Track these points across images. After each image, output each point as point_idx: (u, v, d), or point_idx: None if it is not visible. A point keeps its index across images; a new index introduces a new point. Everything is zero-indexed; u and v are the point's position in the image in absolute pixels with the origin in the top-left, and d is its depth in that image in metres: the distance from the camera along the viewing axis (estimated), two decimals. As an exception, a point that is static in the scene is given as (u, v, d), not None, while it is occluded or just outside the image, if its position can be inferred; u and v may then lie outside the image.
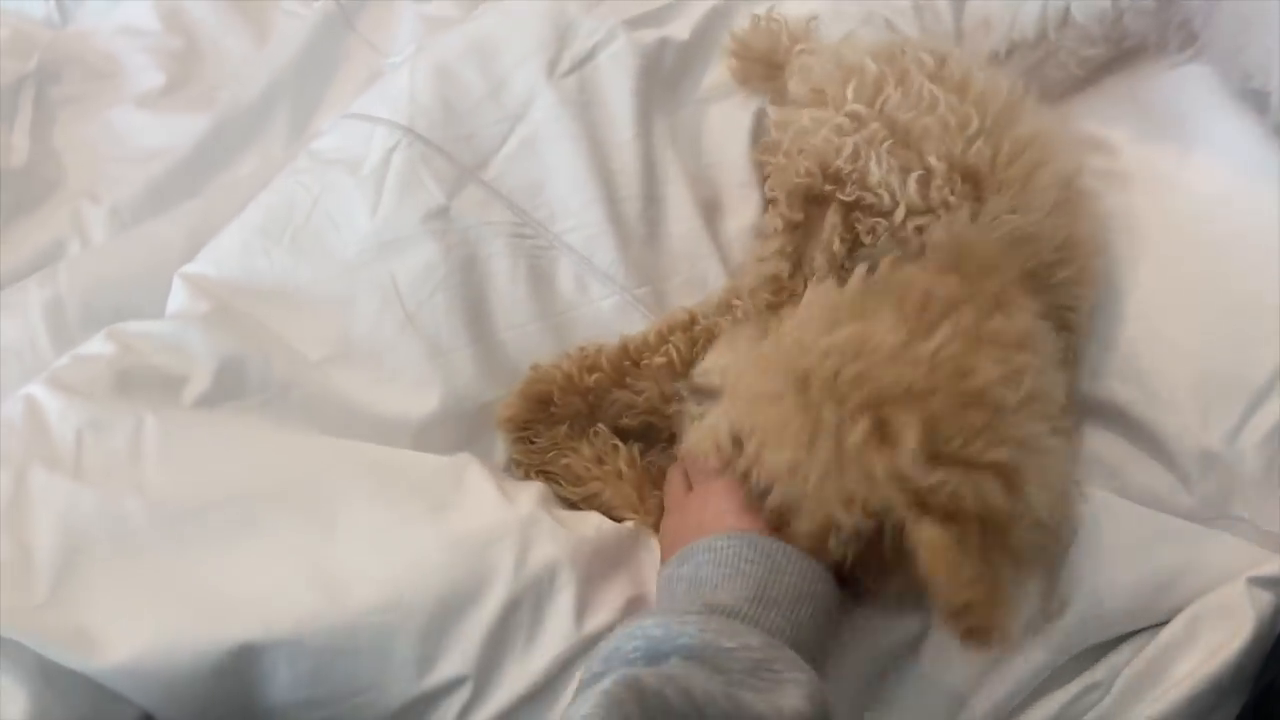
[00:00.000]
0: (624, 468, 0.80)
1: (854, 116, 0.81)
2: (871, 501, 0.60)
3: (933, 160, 0.77)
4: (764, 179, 0.93)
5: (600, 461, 0.81)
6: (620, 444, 0.81)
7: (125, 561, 0.65)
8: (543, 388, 0.82)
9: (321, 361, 0.81)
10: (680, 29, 1.01)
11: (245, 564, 0.67)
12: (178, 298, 0.82)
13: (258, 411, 0.78)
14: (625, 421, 0.84)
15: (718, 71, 1.02)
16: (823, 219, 0.81)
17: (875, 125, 0.80)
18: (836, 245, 0.80)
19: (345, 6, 1.15)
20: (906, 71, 0.82)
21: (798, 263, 0.83)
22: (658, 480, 0.81)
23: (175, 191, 1.01)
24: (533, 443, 0.82)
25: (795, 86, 0.90)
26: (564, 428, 0.82)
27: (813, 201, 0.82)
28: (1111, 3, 0.95)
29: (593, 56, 0.95)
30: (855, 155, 0.79)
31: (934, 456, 0.59)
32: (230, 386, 0.78)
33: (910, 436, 0.59)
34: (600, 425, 0.83)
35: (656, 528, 0.79)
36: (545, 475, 0.82)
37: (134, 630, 0.62)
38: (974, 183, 0.78)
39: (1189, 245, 0.88)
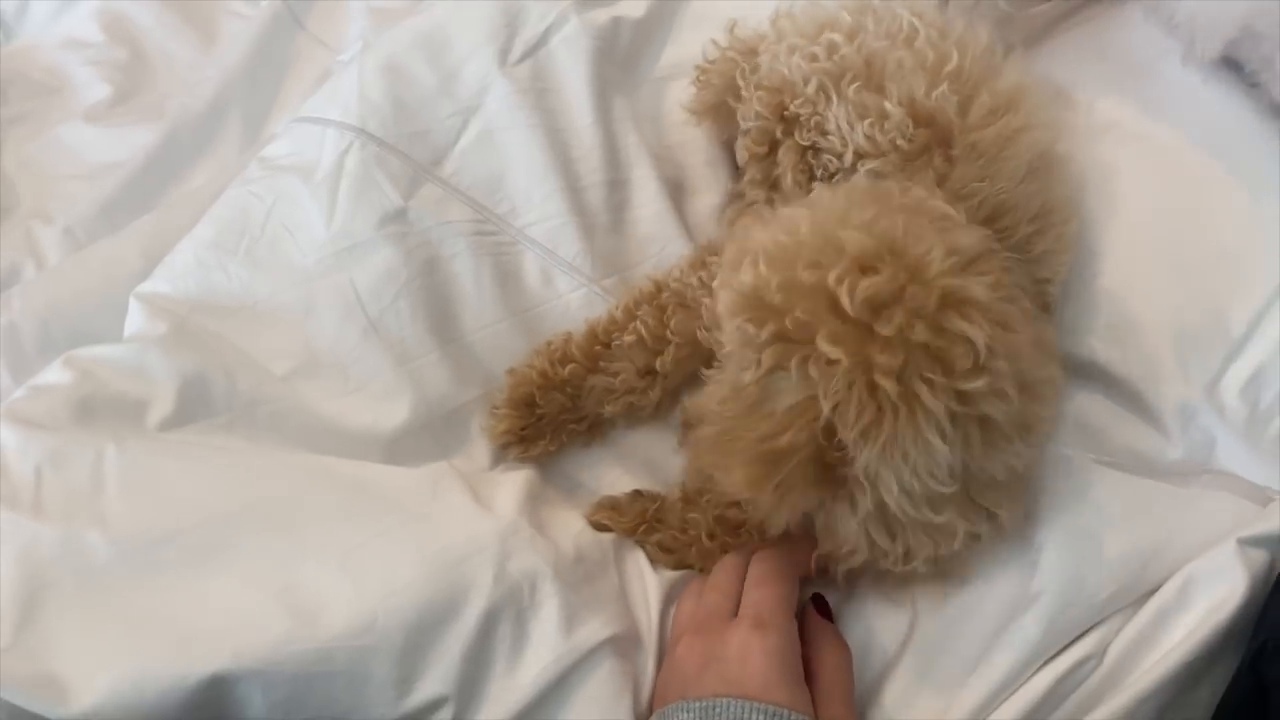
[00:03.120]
0: (706, 540, 0.78)
1: (830, 46, 0.79)
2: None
3: (888, 105, 0.75)
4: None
5: (684, 529, 0.79)
6: (698, 515, 0.79)
7: (90, 599, 0.64)
8: (525, 390, 0.81)
9: (287, 376, 0.79)
10: (634, 6, 0.99)
11: (214, 592, 0.65)
12: (135, 319, 0.81)
13: (224, 431, 0.76)
14: (609, 410, 0.82)
15: (676, 48, 1.00)
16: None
17: (848, 52, 0.78)
18: (789, 182, 0.81)
19: (293, 5, 1.12)
20: (888, 10, 0.81)
21: (773, 188, 0.84)
22: (732, 529, 0.79)
23: (129, 207, 0.99)
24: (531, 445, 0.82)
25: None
26: (652, 504, 0.80)
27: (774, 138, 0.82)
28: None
29: (545, 42, 0.92)
30: (817, 95, 0.78)
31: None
32: (194, 407, 0.76)
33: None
34: (674, 490, 0.81)
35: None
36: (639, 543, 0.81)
37: (102, 671, 0.60)
38: (938, 132, 0.76)
39: (1160, 199, 0.86)
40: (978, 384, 0.60)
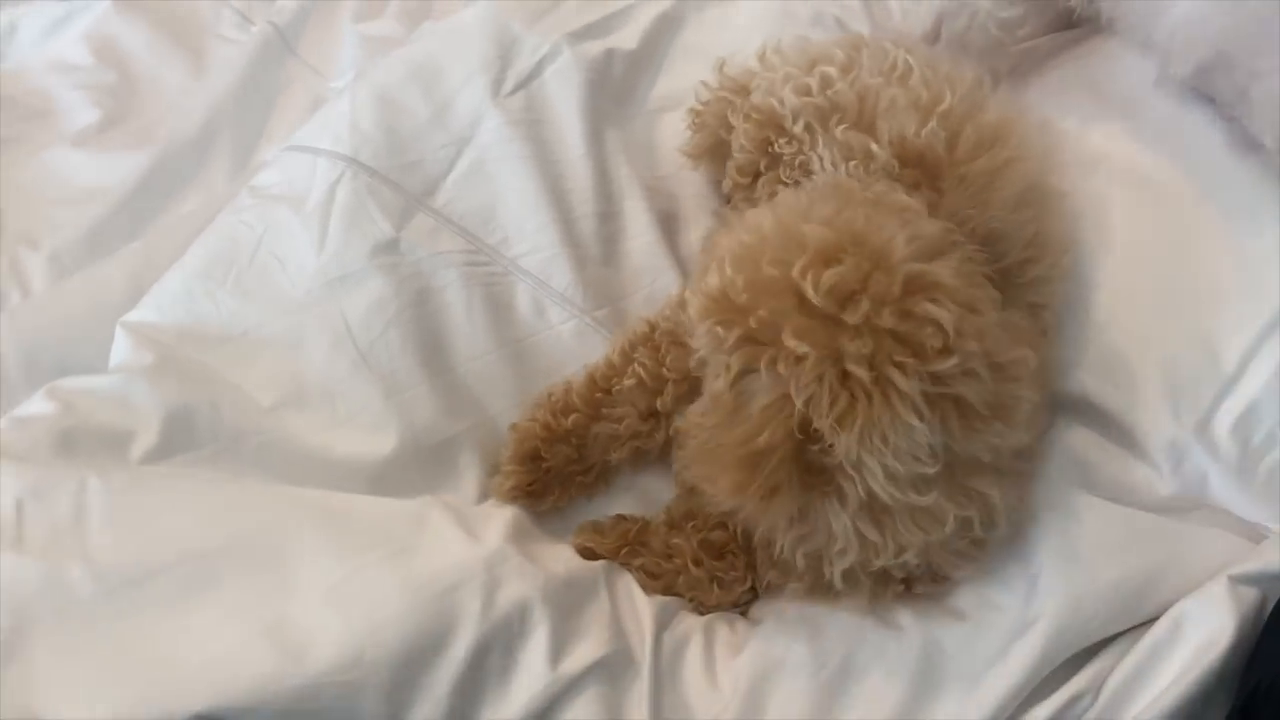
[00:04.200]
0: (692, 566, 0.78)
1: (824, 79, 0.80)
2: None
3: (874, 147, 0.76)
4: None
5: (669, 556, 0.79)
6: (682, 541, 0.79)
7: (72, 636, 0.63)
8: (530, 444, 0.80)
9: (273, 407, 0.79)
10: (627, 38, 1.00)
11: (198, 628, 0.65)
12: (120, 348, 0.80)
13: (209, 463, 0.76)
14: (615, 456, 0.82)
15: (668, 80, 1.00)
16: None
17: (842, 87, 0.79)
18: None
19: (284, 31, 1.12)
20: (880, 47, 0.82)
21: None
22: (724, 570, 0.79)
23: (116, 233, 0.98)
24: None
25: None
26: (634, 526, 0.81)
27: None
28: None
29: (538, 73, 0.93)
30: (804, 134, 0.78)
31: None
32: (179, 439, 0.75)
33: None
34: (659, 515, 0.81)
35: (730, 604, 0.79)
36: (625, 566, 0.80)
37: (84, 710, 0.60)
38: (926, 169, 0.76)
39: (1151, 233, 0.86)
40: (948, 364, 0.60)
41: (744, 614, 0.80)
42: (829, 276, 0.60)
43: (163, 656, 0.63)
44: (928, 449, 0.61)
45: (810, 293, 0.60)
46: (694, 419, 0.68)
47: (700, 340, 0.65)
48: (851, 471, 0.62)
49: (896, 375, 0.60)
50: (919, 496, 0.63)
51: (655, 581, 0.79)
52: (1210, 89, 0.88)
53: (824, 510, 0.65)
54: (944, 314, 0.61)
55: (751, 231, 0.65)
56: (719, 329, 0.63)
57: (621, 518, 0.82)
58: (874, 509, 0.64)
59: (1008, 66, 1.00)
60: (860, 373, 0.59)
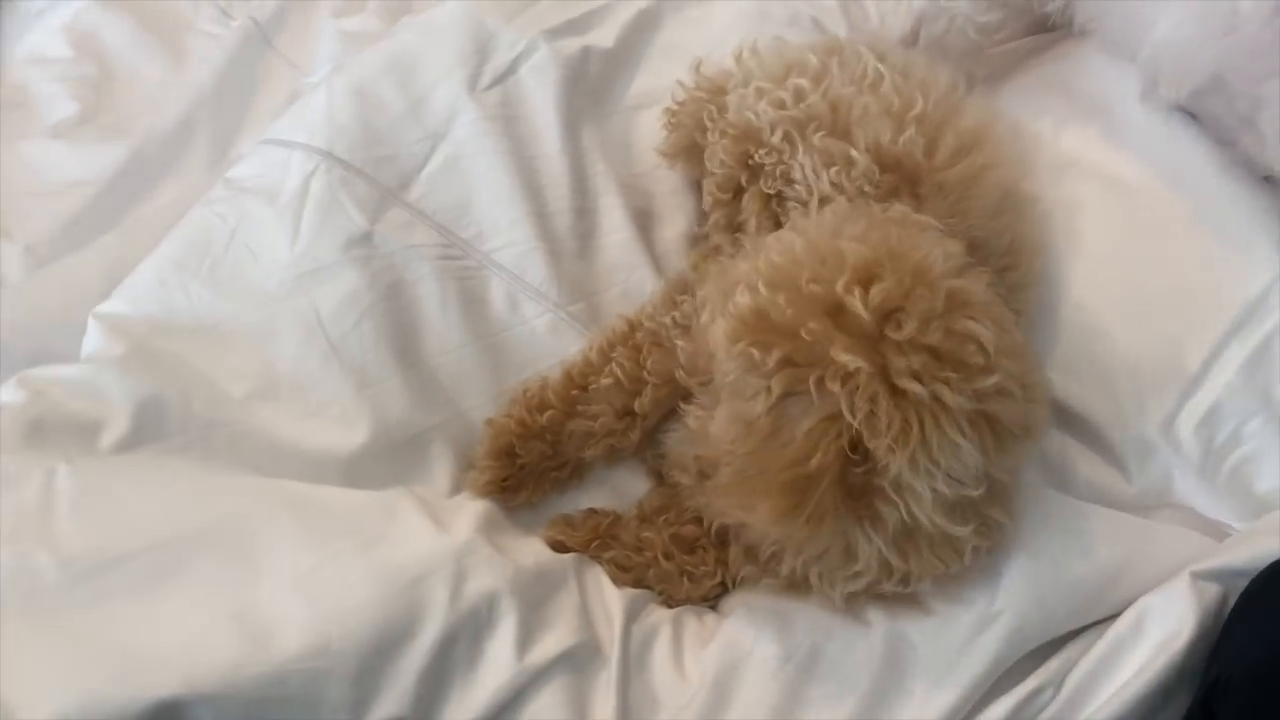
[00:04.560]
0: (662, 559, 0.79)
1: (797, 92, 0.80)
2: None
3: (854, 153, 0.76)
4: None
5: (639, 549, 0.80)
6: (653, 534, 0.80)
7: (37, 623, 0.63)
8: (505, 440, 0.81)
9: (245, 398, 0.79)
10: (604, 36, 1.00)
11: (165, 615, 0.65)
12: (92, 339, 0.80)
13: (180, 454, 0.75)
14: (589, 453, 0.82)
15: (645, 78, 1.01)
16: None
17: (815, 99, 0.79)
18: (754, 227, 0.82)
19: (264, 25, 1.12)
20: (853, 53, 0.82)
21: (737, 231, 0.85)
22: (695, 564, 0.80)
23: (93, 225, 0.98)
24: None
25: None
26: (605, 519, 0.81)
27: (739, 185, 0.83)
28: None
29: (514, 70, 0.93)
30: (783, 144, 0.79)
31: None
32: (149, 429, 0.75)
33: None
34: (631, 509, 0.82)
35: (700, 599, 0.80)
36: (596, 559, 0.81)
37: (49, 696, 0.59)
38: (905, 175, 0.77)
39: (1121, 236, 0.88)
40: (990, 382, 0.61)
41: (713, 607, 0.81)
42: (876, 293, 0.60)
43: (129, 643, 0.63)
44: (975, 471, 0.62)
45: (859, 309, 0.60)
46: (722, 447, 0.66)
47: (730, 364, 0.63)
48: (895, 496, 0.62)
49: (945, 392, 0.60)
50: (958, 526, 0.64)
51: (625, 574, 0.79)
52: (1205, 113, 0.88)
53: (853, 535, 0.65)
54: (985, 332, 0.61)
55: (782, 253, 0.65)
56: (754, 351, 0.61)
57: (593, 511, 0.82)
58: (905, 538, 0.65)
59: (985, 70, 1.01)
60: (914, 389, 0.59)
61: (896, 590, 0.70)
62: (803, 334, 0.60)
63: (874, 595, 0.74)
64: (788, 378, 0.61)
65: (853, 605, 0.75)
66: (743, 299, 0.63)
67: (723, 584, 0.80)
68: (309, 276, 0.82)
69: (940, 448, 0.60)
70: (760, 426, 0.62)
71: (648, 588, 0.79)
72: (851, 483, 0.61)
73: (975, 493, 0.62)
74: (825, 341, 0.60)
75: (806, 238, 0.65)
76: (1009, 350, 0.63)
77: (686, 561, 0.79)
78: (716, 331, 0.64)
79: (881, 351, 0.59)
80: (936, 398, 0.59)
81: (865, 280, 0.61)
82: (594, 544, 0.80)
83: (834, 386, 0.59)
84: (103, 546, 0.67)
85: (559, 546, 0.80)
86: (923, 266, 0.62)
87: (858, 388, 0.59)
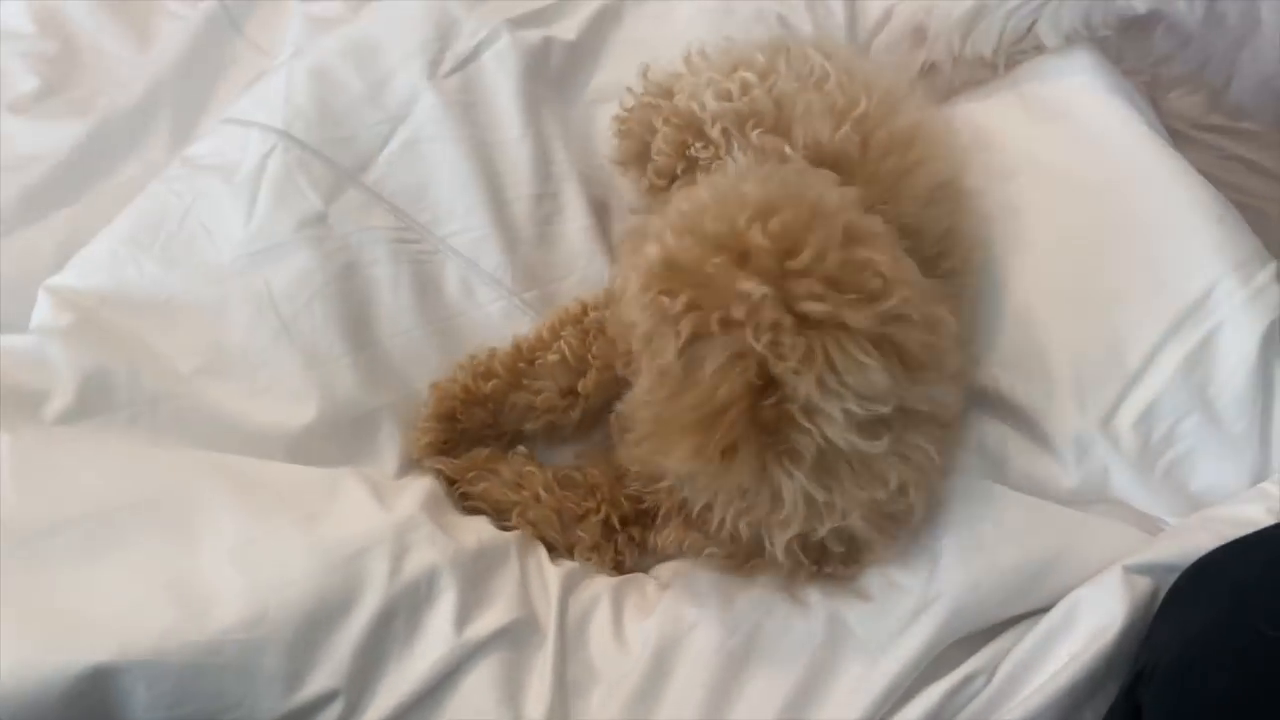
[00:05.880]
0: (542, 492, 0.80)
1: (743, 85, 0.81)
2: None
3: (789, 150, 0.77)
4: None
5: (519, 486, 0.80)
6: (537, 469, 0.80)
7: (-29, 587, 0.63)
8: (448, 404, 0.81)
9: (193, 373, 0.79)
10: (567, 29, 1.00)
11: (100, 582, 0.65)
12: (41, 310, 0.80)
13: (125, 426, 0.76)
14: (529, 426, 0.83)
15: (606, 73, 1.01)
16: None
17: (760, 94, 0.80)
18: None
19: (231, 8, 1.12)
20: (800, 53, 0.83)
21: None
22: (577, 500, 0.80)
23: (51, 199, 0.97)
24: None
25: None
26: (486, 451, 0.82)
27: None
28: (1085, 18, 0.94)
29: (476, 56, 0.94)
30: (721, 139, 0.80)
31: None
32: (95, 401, 0.75)
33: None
34: (520, 448, 0.83)
35: (571, 551, 0.80)
36: (466, 499, 0.81)
37: (-22, 660, 0.60)
38: (840, 170, 0.77)
39: (1067, 233, 0.89)
40: (889, 305, 0.62)
41: (619, 567, 0.81)
42: (774, 223, 0.62)
43: (64, 609, 0.64)
44: (883, 388, 0.63)
45: (759, 239, 0.62)
46: (640, 398, 0.68)
47: (643, 314, 0.65)
48: (807, 422, 0.63)
49: (846, 313, 0.61)
50: (873, 442, 0.64)
51: (501, 513, 0.80)
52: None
53: (774, 474, 0.66)
54: (882, 258, 0.63)
55: (689, 200, 0.67)
56: (664, 298, 0.63)
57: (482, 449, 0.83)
58: (824, 468, 0.65)
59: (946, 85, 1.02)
60: (815, 310, 0.61)
61: (831, 536, 0.71)
62: (706, 269, 0.62)
63: (817, 578, 0.76)
64: (695, 320, 0.62)
65: (795, 583, 0.76)
66: (651, 249, 0.65)
67: (631, 540, 0.81)
68: (262, 255, 0.83)
69: (845, 368, 0.61)
70: (673, 373, 0.64)
71: (511, 527, 0.80)
72: (764, 418, 0.62)
73: (885, 409, 0.63)
74: (728, 277, 0.61)
75: (711, 185, 0.68)
76: (905, 280, 0.65)
77: (567, 498, 0.80)
78: (630, 287, 0.66)
79: (782, 280, 0.61)
80: (837, 319, 0.61)
81: (765, 215, 0.62)
82: (471, 475, 0.80)
83: (738, 315, 0.61)
84: (42, 515, 0.67)
85: (441, 479, 0.81)
86: (821, 203, 0.64)
87: (760, 316, 0.61)
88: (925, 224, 0.78)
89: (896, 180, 0.77)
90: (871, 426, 0.64)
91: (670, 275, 0.63)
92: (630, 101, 0.91)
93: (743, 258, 0.62)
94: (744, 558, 0.76)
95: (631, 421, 0.70)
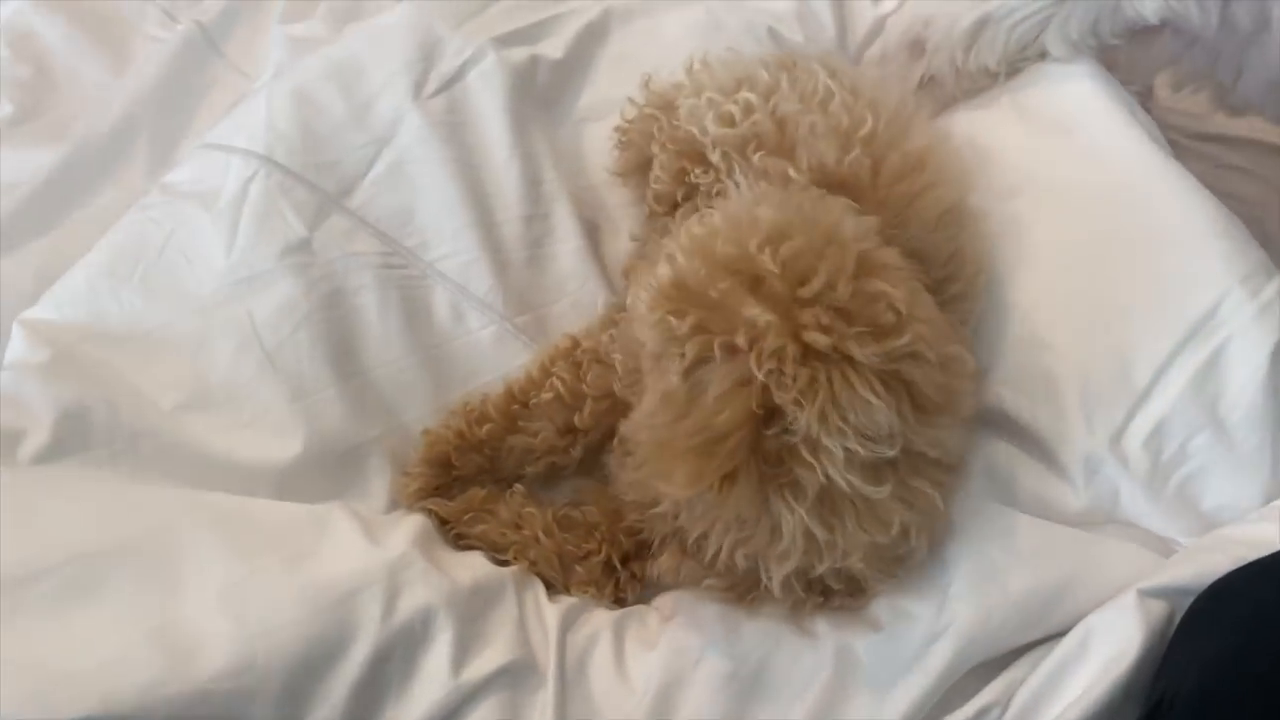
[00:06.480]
0: (541, 535, 0.78)
1: (746, 107, 0.79)
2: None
3: (792, 173, 0.75)
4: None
5: (518, 526, 0.78)
6: (536, 509, 0.78)
7: (-51, 640, 0.60)
8: (441, 449, 0.80)
9: (175, 408, 0.77)
10: (553, 47, 0.99)
11: (83, 632, 0.62)
12: (15, 345, 0.78)
13: (105, 465, 0.74)
14: (530, 470, 0.81)
15: (595, 90, 1.00)
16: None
17: (761, 116, 0.78)
18: None
19: (210, 30, 1.10)
20: (805, 69, 0.82)
21: None
22: (577, 542, 0.79)
23: (25, 228, 0.95)
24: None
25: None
26: (482, 491, 0.80)
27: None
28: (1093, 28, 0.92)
29: (461, 76, 0.92)
30: (722, 163, 0.78)
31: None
32: (72, 439, 0.73)
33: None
34: (517, 487, 0.81)
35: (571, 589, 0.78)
36: (462, 539, 0.79)
37: (-44, 718, 0.57)
38: (850, 195, 0.76)
39: (1071, 250, 0.87)
40: (901, 342, 0.61)
41: (620, 604, 0.79)
42: (786, 249, 0.60)
43: (44, 661, 0.61)
44: (888, 429, 0.61)
45: (769, 265, 0.60)
46: (642, 420, 0.67)
47: (650, 334, 0.64)
48: (810, 457, 0.61)
49: (853, 347, 0.59)
50: (875, 487, 0.63)
51: (501, 553, 0.78)
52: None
53: (775, 507, 0.64)
54: (897, 292, 0.62)
55: (702, 224, 0.65)
56: (672, 319, 0.62)
57: (478, 488, 0.81)
58: (826, 505, 0.64)
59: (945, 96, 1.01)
60: (820, 342, 0.59)
61: (830, 574, 0.69)
62: (712, 293, 0.61)
63: (823, 609, 0.74)
64: (701, 343, 0.61)
65: (799, 614, 0.74)
66: (663, 270, 0.63)
67: (633, 577, 0.79)
68: (244, 284, 0.81)
69: (849, 404, 0.59)
70: (677, 395, 0.62)
71: (506, 563, 0.78)
72: (767, 448, 0.61)
73: (890, 453, 0.62)
74: (735, 301, 0.60)
75: (725, 209, 0.66)
76: (923, 317, 0.63)
77: (567, 540, 0.78)
78: (639, 306, 0.64)
79: (790, 309, 0.60)
80: (843, 353, 0.59)
81: (777, 240, 0.61)
82: (467, 516, 0.78)
83: (742, 341, 0.59)
84: (20, 561, 0.64)
85: (435, 520, 0.79)
86: (836, 230, 0.63)
87: (764, 344, 0.59)
88: (933, 248, 0.76)
89: (906, 205, 0.76)
90: (875, 469, 0.62)
91: (679, 296, 0.62)
92: (631, 112, 0.90)
93: (754, 282, 0.60)
94: (745, 589, 0.74)
95: (632, 444, 0.69)
